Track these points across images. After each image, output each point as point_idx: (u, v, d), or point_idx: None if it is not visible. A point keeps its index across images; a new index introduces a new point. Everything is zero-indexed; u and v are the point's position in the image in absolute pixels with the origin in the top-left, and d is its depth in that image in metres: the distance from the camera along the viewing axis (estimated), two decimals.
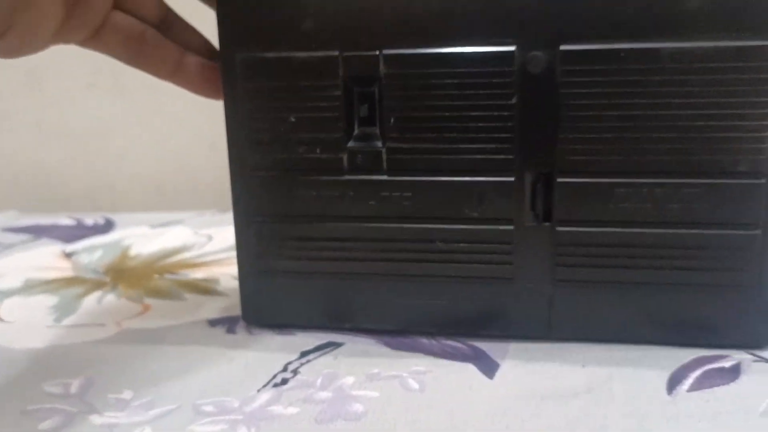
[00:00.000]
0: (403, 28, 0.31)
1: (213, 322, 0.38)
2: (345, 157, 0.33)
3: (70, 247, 0.54)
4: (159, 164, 0.74)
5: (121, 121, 0.74)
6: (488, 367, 0.32)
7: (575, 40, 0.30)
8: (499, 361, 0.33)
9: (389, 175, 0.33)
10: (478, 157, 0.32)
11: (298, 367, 0.33)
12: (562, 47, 0.30)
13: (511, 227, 0.32)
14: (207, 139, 0.71)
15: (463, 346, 0.34)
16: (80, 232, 0.59)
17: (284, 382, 0.32)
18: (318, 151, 0.33)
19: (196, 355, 0.35)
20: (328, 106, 0.32)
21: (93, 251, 0.52)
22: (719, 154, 0.30)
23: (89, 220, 0.63)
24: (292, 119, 0.33)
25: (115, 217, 0.64)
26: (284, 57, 0.32)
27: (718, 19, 0.29)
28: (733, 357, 0.32)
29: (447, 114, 0.31)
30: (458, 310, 0.34)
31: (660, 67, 0.29)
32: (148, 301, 0.42)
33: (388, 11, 0.31)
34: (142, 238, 0.56)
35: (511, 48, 0.30)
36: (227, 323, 0.38)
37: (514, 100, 0.31)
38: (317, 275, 0.35)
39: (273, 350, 0.35)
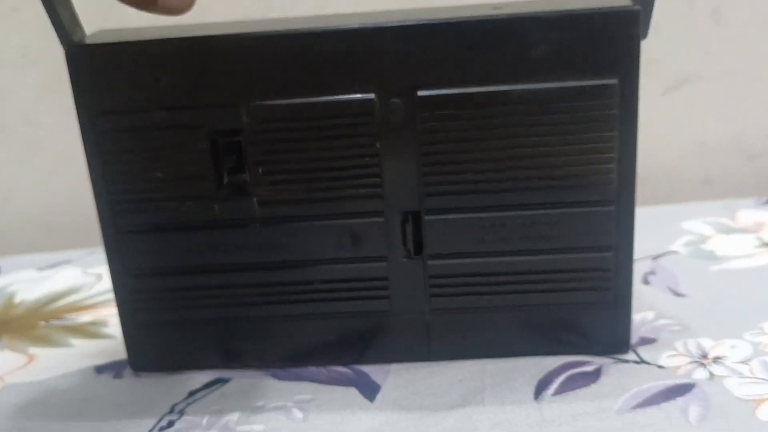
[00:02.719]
0: (262, 81, 0.31)
1: (100, 369, 0.38)
2: (216, 207, 0.33)
3: None
4: (46, 203, 0.72)
5: (3, 161, 0.71)
6: (370, 390, 0.34)
7: (431, 86, 0.31)
8: (380, 383, 0.34)
9: (262, 224, 0.33)
10: (349, 201, 0.33)
11: (184, 408, 0.34)
12: (420, 93, 0.31)
13: (384, 264, 0.34)
14: None
15: (348, 371, 0.36)
16: None
17: (170, 424, 0.32)
18: (188, 204, 0.33)
19: (83, 406, 0.35)
20: (194, 160, 0.32)
21: None
22: (572, 187, 0.32)
23: None
24: (159, 175, 0.33)
25: (0, 261, 0.62)
26: (145, 115, 0.32)
27: (562, 63, 0.30)
28: (595, 362, 0.34)
29: (314, 163, 0.32)
30: (341, 342, 0.36)
31: (511, 108, 0.31)
32: (33, 350, 0.41)
33: (246, 64, 0.31)
34: (28, 283, 0.54)
35: (371, 96, 0.31)
36: (114, 369, 0.38)
37: (378, 146, 0.32)
38: (200, 323, 0.35)
39: (160, 393, 0.35)
